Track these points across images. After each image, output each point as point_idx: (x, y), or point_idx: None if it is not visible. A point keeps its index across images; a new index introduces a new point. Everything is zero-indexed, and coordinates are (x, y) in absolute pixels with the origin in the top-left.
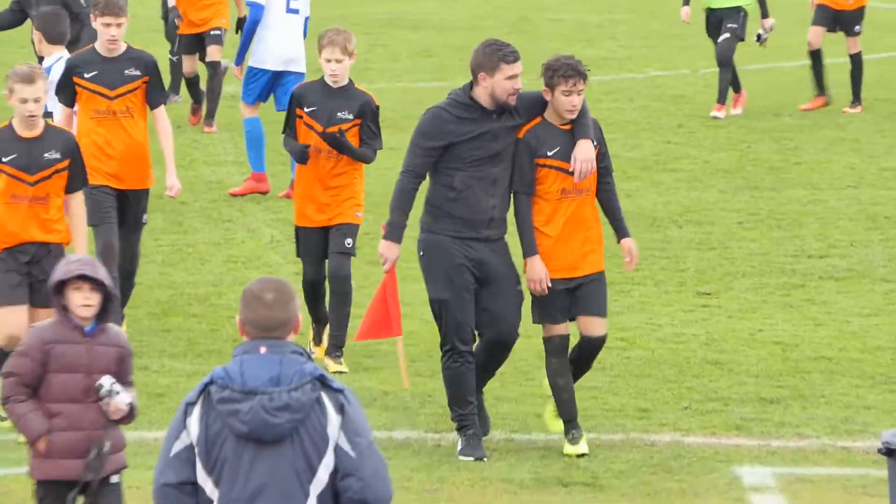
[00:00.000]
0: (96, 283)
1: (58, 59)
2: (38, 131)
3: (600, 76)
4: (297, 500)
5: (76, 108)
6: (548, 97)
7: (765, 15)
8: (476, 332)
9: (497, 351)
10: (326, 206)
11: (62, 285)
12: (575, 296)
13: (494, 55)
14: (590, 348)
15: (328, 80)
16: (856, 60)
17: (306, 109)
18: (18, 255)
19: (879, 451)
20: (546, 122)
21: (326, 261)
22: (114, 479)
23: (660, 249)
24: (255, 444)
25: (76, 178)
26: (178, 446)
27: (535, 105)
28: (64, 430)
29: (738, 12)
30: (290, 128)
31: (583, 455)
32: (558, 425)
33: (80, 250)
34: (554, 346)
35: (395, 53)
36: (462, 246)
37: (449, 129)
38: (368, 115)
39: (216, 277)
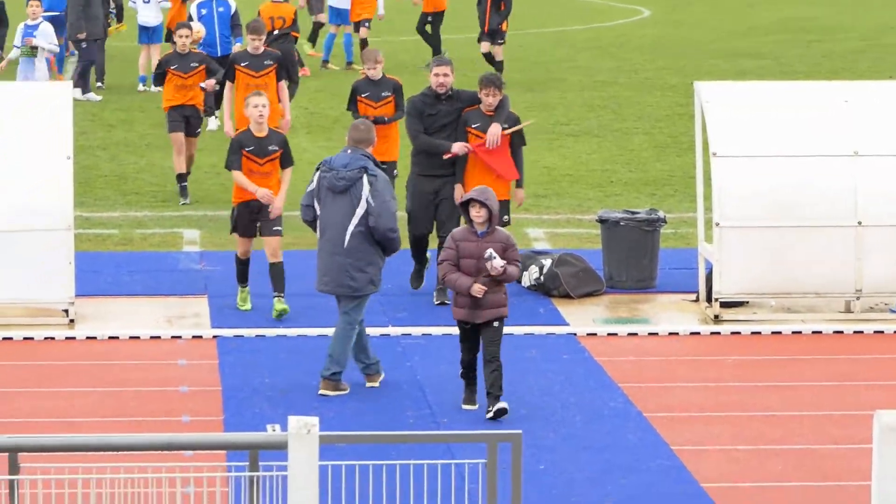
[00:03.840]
0: (484, 205)
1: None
2: (265, 133)
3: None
4: (347, 218)
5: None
6: (479, 95)
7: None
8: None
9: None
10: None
11: (466, 205)
12: None
13: (432, 62)
14: None
15: (371, 76)
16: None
17: (363, 95)
18: (251, 206)
19: (597, 220)
20: (479, 109)
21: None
22: (495, 324)
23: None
24: (333, 192)
25: (286, 160)
26: (308, 189)
27: (473, 97)
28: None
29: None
30: (352, 104)
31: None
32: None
33: (283, 193)
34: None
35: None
36: (425, 181)
37: (419, 108)
38: (397, 92)
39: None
